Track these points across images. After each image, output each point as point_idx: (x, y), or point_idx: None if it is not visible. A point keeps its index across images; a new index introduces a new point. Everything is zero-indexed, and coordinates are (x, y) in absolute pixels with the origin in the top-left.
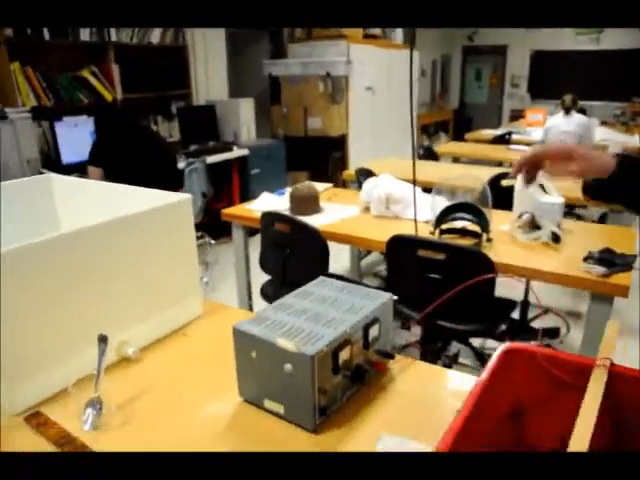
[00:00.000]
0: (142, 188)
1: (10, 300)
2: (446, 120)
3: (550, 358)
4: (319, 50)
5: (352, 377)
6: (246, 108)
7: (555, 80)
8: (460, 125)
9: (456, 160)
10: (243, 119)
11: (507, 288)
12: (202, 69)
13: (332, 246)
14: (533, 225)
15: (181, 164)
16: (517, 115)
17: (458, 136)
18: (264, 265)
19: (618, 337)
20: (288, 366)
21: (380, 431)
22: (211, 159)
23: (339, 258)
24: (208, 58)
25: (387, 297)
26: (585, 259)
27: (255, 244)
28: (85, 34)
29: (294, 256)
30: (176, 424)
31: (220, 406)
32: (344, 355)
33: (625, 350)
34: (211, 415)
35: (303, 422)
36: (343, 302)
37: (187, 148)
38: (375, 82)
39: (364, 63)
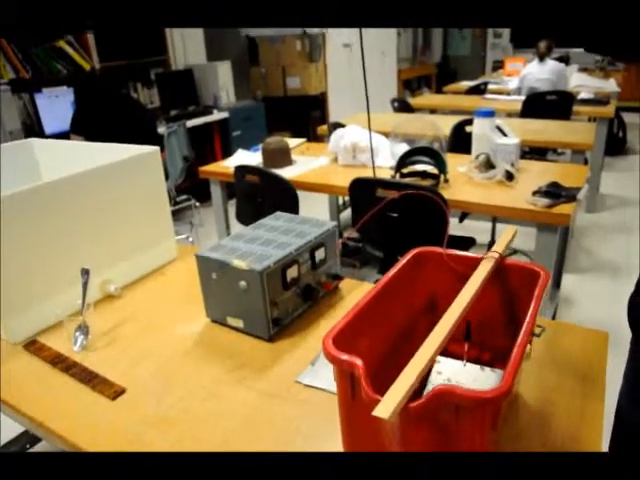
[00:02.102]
0: (117, 144)
1: (4, 242)
2: (429, 74)
3: (453, 257)
4: None
5: (303, 294)
6: (224, 71)
7: (537, 28)
8: (444, 79)
9: (433, 111)
10: (222, 82)
11: (478, 232)
12: (178, 34)
13: (311, 199)
14: (489, 165)
15: (161, 129)
16: (499, 66)
17: (441, 90)
18: (240, 217)
19: (513, 240)
20: (242, 283)
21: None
22: (191, 123)
23: (318, 211)
24: None
25: (332, 225)
26: (534, 193)
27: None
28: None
29: (266, 205)
30: (152, 343)
31: (190, 327)
32: (292, 273)
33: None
34: (183, 334)
35: (260, 332)
36: (292, 230)
37: (167, 113)
38: (353, 38)
39: None
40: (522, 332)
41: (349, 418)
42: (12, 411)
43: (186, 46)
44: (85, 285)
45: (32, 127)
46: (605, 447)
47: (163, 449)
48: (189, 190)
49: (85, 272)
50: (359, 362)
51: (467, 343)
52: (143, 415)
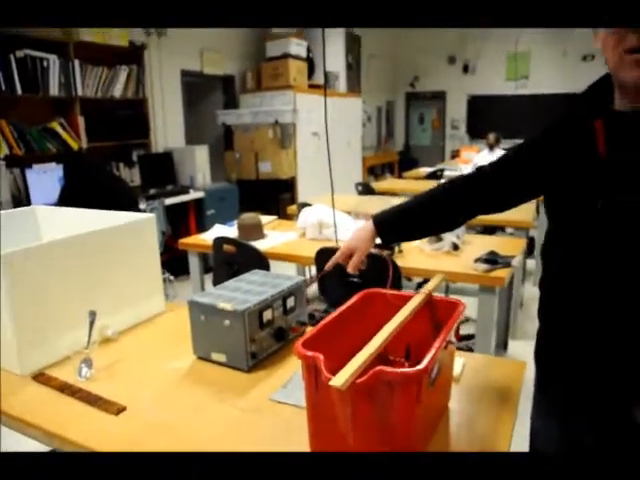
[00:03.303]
0: (116, 212)
1: (17, 293)
2: (392, 161)
3: (395, 296)
4: (268, 100)
5: (275, 335)
6: (201, 154)
7: (489, 121)
8: (406, 166)
9: (395, 195)
10: (199, 164)
11: None
12: (160, 119)
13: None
14: (438, 238)
15: (142, 205)
16: (456, 154)
17: (402, 176)
18: (217, 285)
19: (440, 284)
20: (227, 322)
21: (294, 369)
22: (169, 201)
23: None
24: (166, 109)
25: (300, 279)
26: (475, 260)
27: (210, 280)
28: (54, 89)
29: (241, 273)
30: (147, 375)
31: (179, 363)
32: (267, 315)
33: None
34: (173, 368)
35: (240, 364)
36: (267, 283)
37: (147, 192)
38: (321, 128)
39: (310, 111)
40: (440, 336)
41: (314, 408)
42: (29, 427)
43: (167, 130)
44: (92, 324)
45: (20, 199)
46: (514, 447)
47: (159, 450)
48: (164, 264)
49: (92, 313)
50: (321, 356)
51: (407, 362)
52: (142, 425)
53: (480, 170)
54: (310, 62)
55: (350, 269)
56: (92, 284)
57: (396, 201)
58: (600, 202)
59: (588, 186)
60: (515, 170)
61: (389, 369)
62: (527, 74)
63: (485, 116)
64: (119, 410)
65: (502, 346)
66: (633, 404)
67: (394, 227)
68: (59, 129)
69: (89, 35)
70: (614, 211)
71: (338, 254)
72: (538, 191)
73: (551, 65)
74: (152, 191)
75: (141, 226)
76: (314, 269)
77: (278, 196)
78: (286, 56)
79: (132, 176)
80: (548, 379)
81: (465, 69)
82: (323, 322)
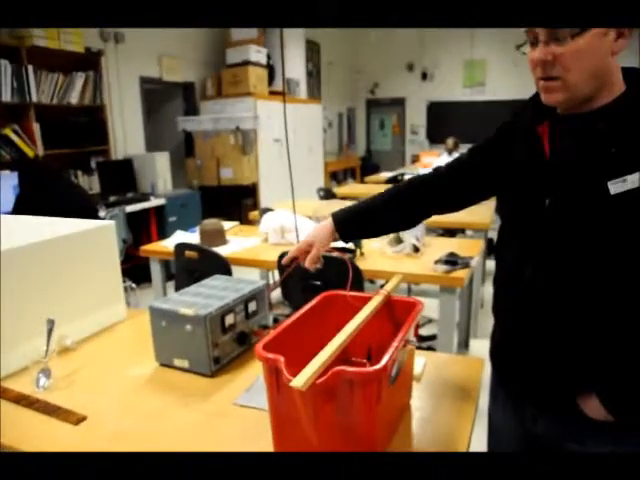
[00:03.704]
0: (75, 219)
1: None
2: (354, 167)
3: (355, 297)
4: (229, 106)
5: (238, 339)
6: (162, 161)
7: (448, 126)
8: (367, 170)
9: (356, 199)
10: (159, 171)
11: None
12: (120, 126)
13: (243, 275)
14: (399, 241)
15: (101, 213)
16: (416, 159)
17: (364, 180)
18: (178, 290)
19: (399, 284)
20: (188, 327)
21: (256, 373)
22: (130, 208)
23: None
24: (125, 116)
25: (262, 283)
26: (435, 262)
27: (173, 287)
28: (6, 95)
29: (203, 279)
30: (107, 385)
31: (141, 370)
32: (229, 320)
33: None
34: (134, 375)
35: (203, 369)
36: (229, 287)
37: (107, 199)
38: (282, 134)
39: (271, 117)
40: (399, 336)
41: (276, 410)
42: None
43: (127, 137)
44: (50, 332)
45: None
46: (475, 442)
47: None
48: (126, 272)
49: (50, 322)
50: (281, 358)
51: (368, 362)
52: (103, 434)
53: (436, 170)
54: (270, 69)
55: (307, 263)
56: (50, 292)
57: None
58: (547, 200)
59: (535, 186)
60: (468, 171)
61: (349, 368)
62: (483, 81)
63: (444, 121)
64: (79, 420)
65: (464, 345)
66: (578, 395)
67: (353, 225)
68: (13, 136)
69: (43, 40)
70: (560, 209)
71: (294, 249)
72: (490, 191)
73: (505, 72)
74: (112, 198)
75: (100, 233)
76: (277, 273)
77: (240, 202)
78: (246, 63)
79: (91, 183)
80: (500, 374)
81: (424, 76)
82: (284, 324)
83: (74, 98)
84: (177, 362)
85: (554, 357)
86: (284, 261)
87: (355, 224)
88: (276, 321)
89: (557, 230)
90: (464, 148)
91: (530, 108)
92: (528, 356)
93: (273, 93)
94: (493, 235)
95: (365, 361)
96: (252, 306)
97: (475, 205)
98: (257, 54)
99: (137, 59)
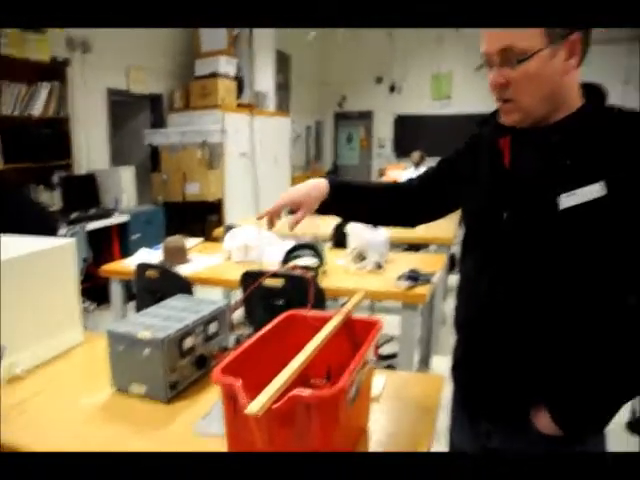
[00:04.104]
0: (33, 237)
1: None
2: None
3: (315, 317)
4: (196, 119)
5: (197, 363)
6: (127, 176)
7: (415, 140)
8: None
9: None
10: (124, 186)
11: None
12: (84, 140)
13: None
14: (362, 257)
15: (62, 231)
16: (382, 173)
17: None
18: (139, 311)
19: (361, 302)
20: (146, 351)
21: (215, 398)
22: (91, 225)
23: None
24: (90, 129)
25: (223, 303)
26: (398, 278)
27: (134, 308)
28: None
29: (164, 299)
30: (60, 413)
31: (96, 397)
32: (188, 342)
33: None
34: (88, 404)
35: (159, 396)
36: (189, 308)
37: (68, 216)
38: (250, 148)
39: (238, 130)
40: (357, 356)
41: (234, 436)
42: None
43: (91, 151)
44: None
45: None
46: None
47: None
48: (85, 292)
49: (2, 348)
50: (239, 382)
51: (328, 383)
52: None
53: (410, 181)
54: (239, 81)
55: (291, 227)
56: (2, 316)
57: (324, 221)
58: (505, 213)
59: (495, 198)
60: (437, 182)
61: (305, 392)
62: (450, 94)
63: (411, 135)
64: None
65: (425, 362)
66: (530, 410)
67: (345, 195)
68: None
69: (6, 48)
70: (516, 222)
71: (278, 202)
72: (456, 202)
73: (471, 86)
74: (74, 215)
75: (59, 253)
76: (240, 293)
77: (205, 218)
78: (215, 75)
79: (53, 199)
80: (458, 389)
81: (392, 89)
82: (243, 346)
83: (37, 109)
84: (134, 388)
85: (508, 370)
86: (262, 214)
87: (347, 196)
88: (238, 342)
89: (513, 243)
90: (431, 161)
91: (493, 121)
92: (483, 369)
93: (241, 106)
94: (456, 250)
95: (324, 382)
96: (212, 327)
97: (440, 219)
98: (226, 65)
99: (104, 70)
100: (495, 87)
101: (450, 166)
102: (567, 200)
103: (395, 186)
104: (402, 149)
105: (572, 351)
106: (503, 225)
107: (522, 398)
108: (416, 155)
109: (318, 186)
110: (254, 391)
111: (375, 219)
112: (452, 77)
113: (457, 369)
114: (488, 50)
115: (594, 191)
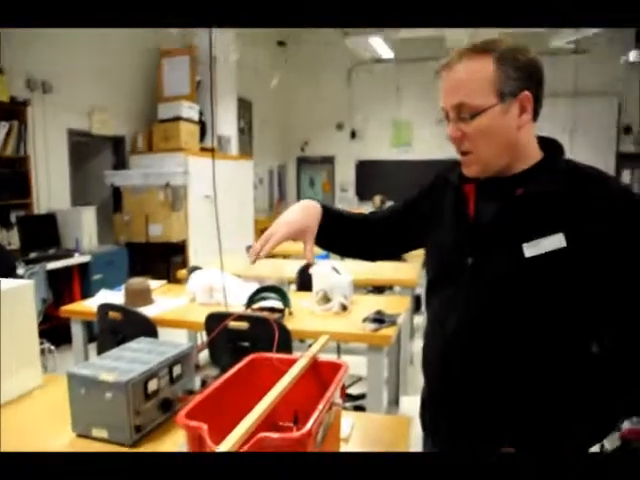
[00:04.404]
0: None
1: None
2: None
3: (281, 360)
4: (159, 162)
5: (162, 406)
6: (88, 216)
7: (376, 184)
8: None
9: (287, 257)
10: (85, 227)
11: None
12: (44, 179)
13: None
14: (327, 299)
15: (20, 270)
16: None
17: None
18: (101, 353)
19: (326, 345)
20: (109, 394)
21: (181, 441)
22: (51, 265)
23: None
24: (50, 169)
25: (188, 346)
26: (363, 320)
27: (95, 349)
28: None
29: (127, 341)
30: None
31: (55, 442)
32: (152, 385)
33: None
34: (46, 450)
35: (123, 439)
36: (153, 350)
37: (27, 256)
38: (213, 191)
39: (202, 173)
40: (324, 398)
41: None
42: None
43: (51, 191)
44: None
45: None
46: None
47: None
48: (45, 333)
49: None
50: (204, 426)
51: (295, 426)
52: None
53: (372, 214)
54: (202, 125)
55: (309, 257)
56: None
57: (288, 263)
58: (469, 259)
59: (459, 244)
60: (398, 220)
61: (273, 435)
62: (410, 141)
63: (372, 179)
64: None
65: (394, 402)
66: (495, 451)
67: (334, 222)
68: None
69: None
70: (480, 269)
71: (283, 233)
72: (418, 242)
73: (430, 133)
74: (33, 255)
75: (16, 294)
76: (205, 335)
77: (169, 260)
78: (178, 119)
79: (10, 238)
80: (426, 429)
81: (353, 135)
82: (208, 390)
83: None
84: (95, 432)
85: (474, 410)
86: (255, 253)
87: (336, 223)
88: (204, 383)
89: (477, 288)
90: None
91: (458, 169)
92: (448, 410)
93: (204, 149)
94: (420, 291)
95: (292, 425)
96: (177, 370)
97: (402, 262)
98: (189, 110)
99: (66, 111)
100: (453, 140)
101: (414, 205)
102: (530, 250)
103: (364, 216)
104: (364, 193)
105: (537, 392)
106: (468, 270)
107: (486, 438)
108: (377, 199)
109: (312, 213)
110: (220, 435)
111: (345, 249)
112: (412, 125)
113: (423, 409)
114: (444, 105)
115: (555, 242)
